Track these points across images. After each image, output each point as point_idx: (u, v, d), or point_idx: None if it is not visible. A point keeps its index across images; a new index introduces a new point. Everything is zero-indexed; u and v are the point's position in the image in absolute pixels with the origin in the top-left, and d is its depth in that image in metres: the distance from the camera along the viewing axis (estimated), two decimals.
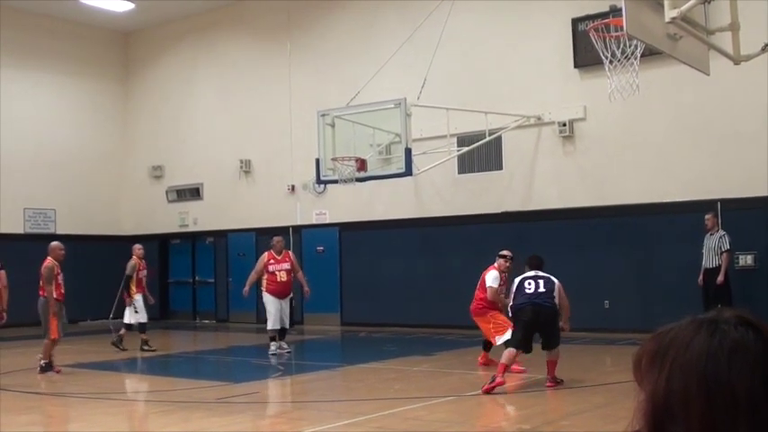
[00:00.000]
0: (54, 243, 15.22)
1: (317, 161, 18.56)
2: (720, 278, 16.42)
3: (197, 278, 27.48)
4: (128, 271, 18.40)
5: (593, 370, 14.09)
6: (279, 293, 17.39)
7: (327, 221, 23.83)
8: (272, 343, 17.20)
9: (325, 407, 12.24)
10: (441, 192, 21.73)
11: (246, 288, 17.75)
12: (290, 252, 18.16)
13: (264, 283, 17.44)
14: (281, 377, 14.85)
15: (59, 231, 26.65)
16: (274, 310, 17.23)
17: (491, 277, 14.08)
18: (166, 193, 27.89)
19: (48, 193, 26.66)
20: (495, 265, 14.36)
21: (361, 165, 17.88)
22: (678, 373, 1.39)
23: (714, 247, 16.74)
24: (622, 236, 19.04)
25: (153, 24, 28.21)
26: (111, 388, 13.50)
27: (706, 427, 1.35)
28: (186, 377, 15.15)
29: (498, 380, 11.82)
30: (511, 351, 12.27)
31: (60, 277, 14.66)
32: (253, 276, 17.74)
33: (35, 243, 25.81)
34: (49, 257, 14.80)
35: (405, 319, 21.70)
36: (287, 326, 17.71)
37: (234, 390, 12.86)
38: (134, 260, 18.50)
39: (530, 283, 12.56)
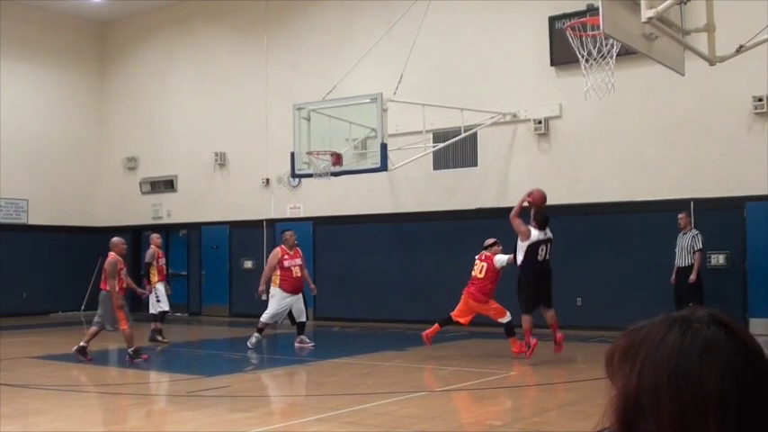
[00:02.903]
0: (116, 239, 15.56)
1: (292, 155, 18.51)
2: (693, 277, 16.54)
3: (170, 271, 27.31)
4: (147, 259, 18.25)
5: (565, 367, 14.13)
6: (294, 289, 16.99)
7: (301, 215, 23.79)
8: (257, 335, 16.78)
9: (296, 401, 12.23)
10: (415, 187, 21.73)
11: (262, 287, 17.13)
12: (298, 247, 17.72)
13: (278, 279, 16.87)
14: (253, 371, 14.81)
15: (32, 222, 26.53)
16: (277, 307, 16.82)
17: (499, 260, 14.80)
18: (140, 184, 27.75)
19: (21, 184, 26.45)
20: (489, 253, 15.00)
21: (337, 159, 17.85)
22: (650, 370, 1.39)
23: (687, 246, 16.85)
24: (596, 234, 19.13)
25: (130, 14, 28.04)
26: (81, 380, 13.43)
27: (676, 424, 1.35)
28: (157, 370, 15.09)
29: (533, 341, 14.02)
30: (527, 317, 14.18)
31: (123, 272, 15.13)
32: (267, 273, 17.14)
33: (7, 234, 25.73)
34: (112, 253, 15.13)
35: (378, 315, 21.71)
36: (304, 319, 17.36)
37: (205, 383, 12.81)
38: (153, 248, 18.36)
39: (542, 249, 14.20)
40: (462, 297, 15.06)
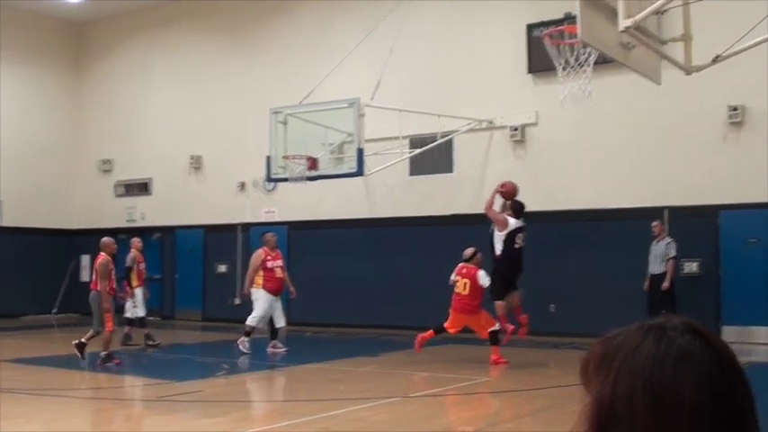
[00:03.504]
0: (107, 239, 15.64)
1: (268, 159, 18.47)
2: (666, 284, 16.65)
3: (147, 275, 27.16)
4: (128, 263, 18.06)
5: (537, 373, 14.17)
6: (278, 290, 16.96)
7: (276, 220, 23.71)
8: (247, 339, 16.62)
9: (268, 407, 12.19)
10: (391, 193, 21.73)
11: (248, 288, 17.04)
12: (278, 249, 17.65)
13: (262, 280, 16.81)
14: (225, 376, 14.73)
15: (5, 223, 26.31)
16: (265, 308, 16.74)
17: (483, 277, 14.66)
18: (115, 187, 27.60)
19: None
20: (471, 265, 14.89)
21: (313, 164, 17.83)
22: (625, 377, 1.38)
23: (661, 254, 16.97)
24: (570, 241, 19.19)
25: (107, 16, 27.88)
26: (51, 384, 13.30)
27: (651, 431, 1.34)
28: (128, 375, 15.00)
29: (509, 327, 14.47)
30: (500, 302, 14.60)
31: (113, 272, 15.15)
32: (251, 274, 17.01)
33: None
34: (102, 253, 15.20)
35: (351, 320, 21.67)
36: (283, 324, 17.29)
37: (176, 388, 12.73)
38: (133, 252, 18.18)
39: (519, 237, 14.64)
40: (451, 312, 15.01)
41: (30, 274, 26.32)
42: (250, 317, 16.81)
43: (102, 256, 15.10)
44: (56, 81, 28.28)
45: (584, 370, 1.47)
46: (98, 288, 14.82)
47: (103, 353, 14.75)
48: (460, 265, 15.08)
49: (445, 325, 15.02)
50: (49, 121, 27.90)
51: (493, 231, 14.88)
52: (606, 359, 1.43)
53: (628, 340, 1.43)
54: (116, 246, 15.79)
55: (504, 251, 14.61)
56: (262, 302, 16.79)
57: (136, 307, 17.88)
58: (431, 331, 15.13)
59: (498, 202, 15.42)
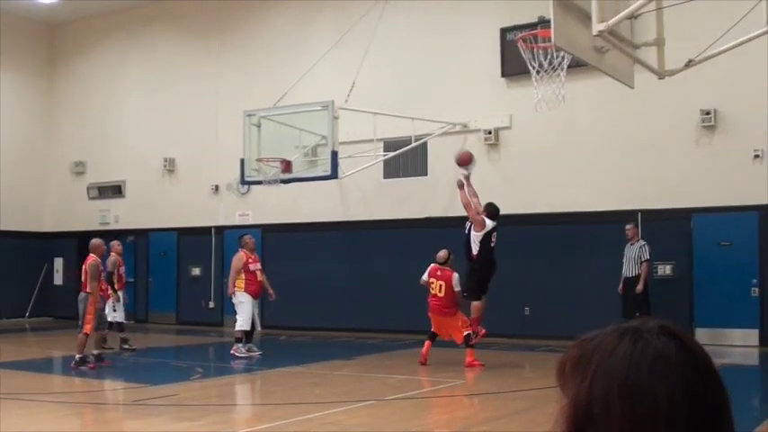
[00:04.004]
0: (97, 241, 15.57)
1: (242, 161, 18.43)
2: (639, 287, 16.74)
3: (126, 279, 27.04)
4: (109, 267, 17.86)
5: (513, 376, 14.20)
6: (258, 293, 16.93)
7: (250, 222, 23.65)
8: (241, 345, 16.55)
9: (243, 410, 12.15)
10: (366, 196, 21.72)
11: (232, 289, 16.87)
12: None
13: (243, 283, 16.72)
14: (200, 379, 14.68)
15: None
16: (250, 311, 16.68)
17: (457, 283, 14.91)
18: (88, 189, 27.44)
19: None
20: (447, 268, 15.10)
21: (287, 166, 17.81)
22: (601, 379, 1.39)
23: (634, 257, 17.05)
24: (544, 244, 19.25)
25: (80, 18, 27.72)
26: (24, 388, 13.18)
27: None
28: (103, 378, 14.90)
29: (482, 331, 14.69)
30: (477, 303, 14.80)
31: (102, 274, 15.24)
32: (234, 276, 16.89)
33: None
34: (92, 255, 15.11)
35: (326, 323, 21.64)
36: (259, 327, 17.22)
37: (151, 392, 12.68)
38: (114, 257, 17.96)
39: (495, 237, 14.93)
40: (430, 316, 15.09)
41: (2, 277, 26.10)
42: (237, 324, 16.72)
43: (92, 258, 15.03)
44: (28, 83, 28.06)
45: (561, 372, 1.48)
46: (87, 290, 14.75)
47: (78, 356, 14.69)
48: (434, 266, 15.14)
49: (433, 329, 15.08)
50: (22, 123, 27.65)
51: (469, 232, 14.95)
52: (582, 361, 1.44)
53: (604, 343, 1.44)
54: (105, 247, 15.79)
55: (480, 251, 14.77)
56: (247, 305, 16.71)
57: (116, 311, 17.73)
58: (427, 342, 15.13)
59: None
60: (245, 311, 16.70)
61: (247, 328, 16.72)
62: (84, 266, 15.08)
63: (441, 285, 14.84)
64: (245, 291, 16.74)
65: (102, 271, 15.13)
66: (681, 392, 1.36)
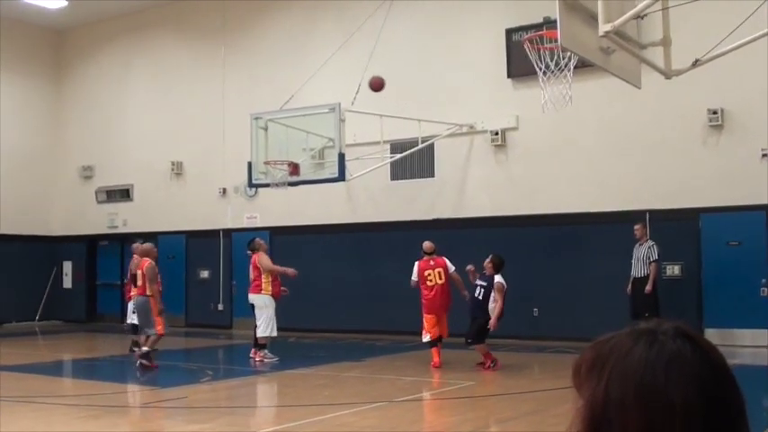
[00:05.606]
0: (148, 245, 16.34)
1: (249, 164, 18.44)
2: (648, 288, 16.69)
3: (125, 281, 27.07)
4: (132, 270, 17.91)
5: (523, 377, 14.20)
6: (279, 293, 16.88)
7: (258, 225, 23.67)
8: (267, 351, 16.54)
9: (254, 413, 12.17)
10: (373, 198, 21.74)
11: (291, 270, 16.83)
12: None
13: (270, 286, 16.68)
14: (210, 382, 14.71)
15: None
16: (272, 314, 16.57)
17: (450, 264, 15.37)
18: (96, 193, 27.49)
19: None
20: (439, 258, 15.49)
21: (294, 169, 17.81)
22: (616, 381, 1.41)
23: (643, 257, 17.01)
24: (552, 245, 19.24)
25: (86, 22, 27.77)
26: (36, 391, 13.23)
27: None
28: (114, 381, 14.94)
29: (494, 359, 14.64)
30: (481, 345, 14.69)
31: (159, 276, 15.78)
32: (276, 268, 16.82)
33: None
34: (147, 259, 15.65)
35: (335, 325, 21.65)
36: (275, 333, 17.11)
37: (162, 394, 12.71)
38: (136, 259, 17.98)
39: None
40: (429, 317, 15.08)
41: (11, 281, 26.16)
42: (260, 330, 16.59)
43: (148, 261, 15.50)
44: (35, 88, 28.11)
45: (577, 374, 1.49)
46: (146, 293, 15.23)
47: (145, 348, 15.18)
48: (423, 260, 15.33)
49: (437, 334, 15.10)
50: (29, 128, 27.71)
51: (481, 295, 14.75)
52: (598, 363, 1.45)
53: (619, 344, 1.45)
54: (156, 250, 16.53)
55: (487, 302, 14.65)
56: (270, 309, 16.62)
57: (135, 313, 17.70)
58: (435, 349, 15.17)
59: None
60: (266, 316, 16.57)
61: (272, 333, 16.61)
62: (140, 270, 15.52)
63: (440, 272, 15.17)
64: (271, 292, 16.64)
65: (158, 274, 15.62)
66: (696, 393, 1.37)
